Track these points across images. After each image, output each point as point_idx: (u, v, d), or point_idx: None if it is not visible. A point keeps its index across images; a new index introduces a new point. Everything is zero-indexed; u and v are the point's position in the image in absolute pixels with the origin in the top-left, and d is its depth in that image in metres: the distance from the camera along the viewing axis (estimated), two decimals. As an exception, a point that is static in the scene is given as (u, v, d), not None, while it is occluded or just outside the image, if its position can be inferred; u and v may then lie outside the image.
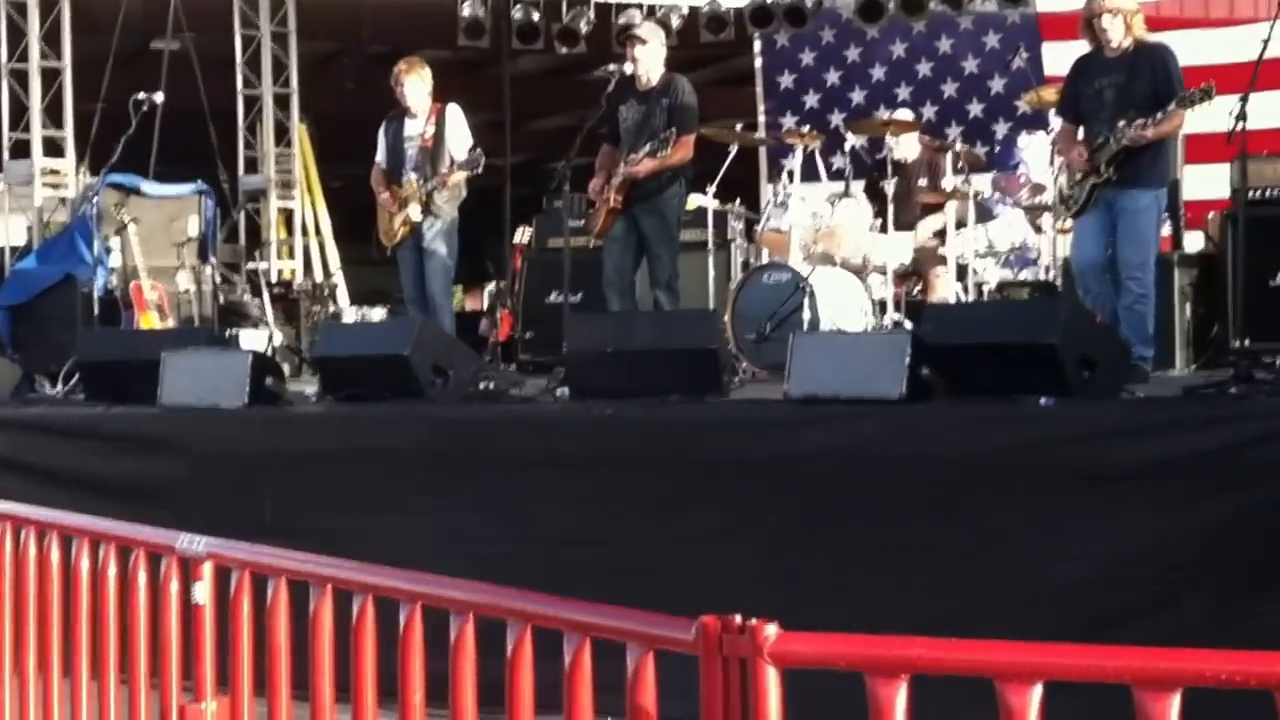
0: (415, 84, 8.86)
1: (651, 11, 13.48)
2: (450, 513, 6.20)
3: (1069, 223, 8.01)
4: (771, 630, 2.32)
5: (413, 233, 8.69)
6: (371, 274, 14.89)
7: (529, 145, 17.95)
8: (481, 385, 6.68)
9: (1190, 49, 10.91)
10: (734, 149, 9.37)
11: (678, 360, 6.20)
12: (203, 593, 3.06)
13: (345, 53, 14.22)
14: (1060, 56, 9.51)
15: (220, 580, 3.10)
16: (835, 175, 9.74)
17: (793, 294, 8.33)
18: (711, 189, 9.01)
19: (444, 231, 8.68)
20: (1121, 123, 7.14)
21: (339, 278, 13.71)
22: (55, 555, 3.40)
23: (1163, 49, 7.39)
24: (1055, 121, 8.80)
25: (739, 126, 10.15)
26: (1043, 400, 5.40)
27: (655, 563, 5.72)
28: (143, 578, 3.17)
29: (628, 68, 8.06)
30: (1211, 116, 8.43)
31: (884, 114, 12.86)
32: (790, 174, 9.21)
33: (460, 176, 8.68)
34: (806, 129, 9.52)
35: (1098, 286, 7.29)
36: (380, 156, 9.00)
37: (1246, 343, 8.77)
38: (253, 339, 10.50)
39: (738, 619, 2.36)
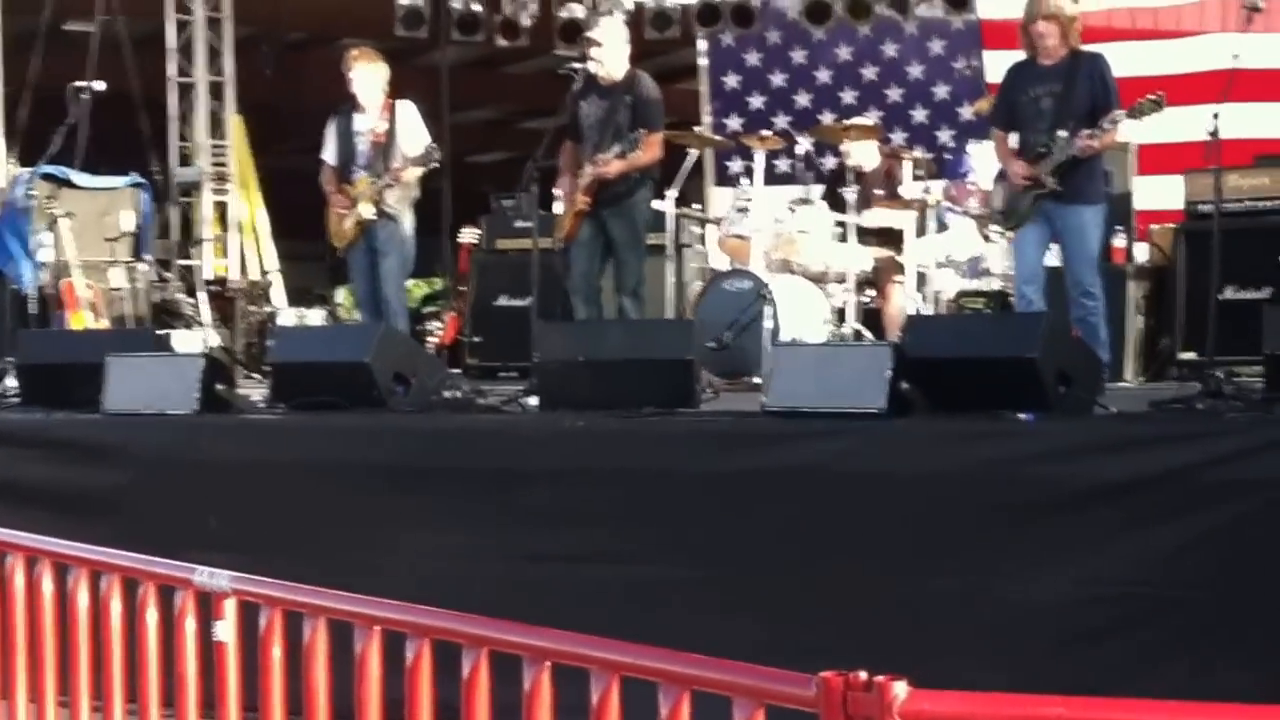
0: (366, 74, 8.63)
1: (595, 6, 13.34)
2: (412, 528, 6.02)
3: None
4: (901, 688, 2.17)
5: (364, 233, 8.48)
6: (295, 271, 14.63)
7: (454, 139, 17.74)
8: (446, 394, 6.49)
9: (1138, 60, 10.99)
10: (693, 153, 9.24)
11: (651, 371, 6.08)
12: (226, 631, 2.88)
13: (263, 39, 13.87)
14: (1002, 65, 9.45)
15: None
16: (783, 179, 9.68)
17: (754, 302, 8.25)
18: (672, 193, 8.88)
19: (398, 232, 8.49)
20: (1062, 133, 7.18)
21: (276, 276, 13.38)
22: (48, 587, 3.20)
23: (1099, 59, 7.44)
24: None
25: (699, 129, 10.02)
26: (1023, 415, 5.34)
27: (628, 580, 5.59)
28: (153, 614, 2.98)
29: (591, 66, 7.91)
30: (1163, 127, 8.48)
31: (829, 117, 13.00)
32: (744, 177, 9.15)
33: (415, 174, 8.49)
34: (767, 133, 9.42)
35: (1038, 298, 7.31)
36: (329, 153, 8.76)
37: (1197, 355, 8.97)
38: (187, 339, 10.22)
39: (863, 675, 2.21)
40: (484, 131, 19.73)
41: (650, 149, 7.86)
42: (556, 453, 5.90)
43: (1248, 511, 4.72)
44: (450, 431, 6.27)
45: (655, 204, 8.68)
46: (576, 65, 7.88)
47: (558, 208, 8.69)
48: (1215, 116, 6.43)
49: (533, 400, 6.50)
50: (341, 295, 13.90)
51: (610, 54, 8.04)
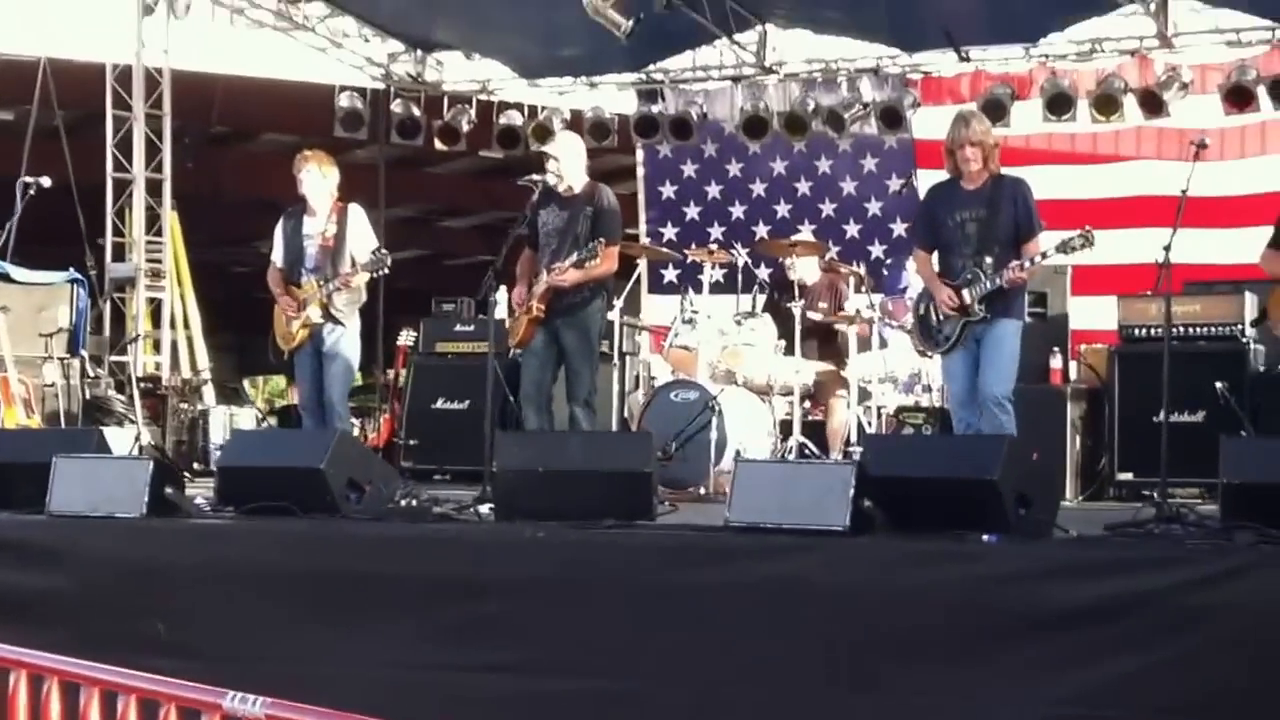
0: (315, 176, 8.59)
1: (533, 114, 13.51)
2: (367, 637, 5.95)
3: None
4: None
5: (312, 336, 8.45)
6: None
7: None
8: (401, 502, 6.45)
9: (1058, 184, 11.31)
10: (643, 263, 9.34)
11: (609, 483, 6.07)
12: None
13: (185, 130, 13.94)
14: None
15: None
16: (715, 289, 9.80)
17: (701, 412, 8.32)
18: (618, 303, 8.96)
19: (345, 337, 8.46)
20: (988, 259, 7.29)
21: (208, 374, 13.30)
22: (55, 708, 3.11)
23: (1021, 183, 7.56)
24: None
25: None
26: (985, 537, 5.40)
27: (585, 694, 5.56)
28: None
29: (549, 178, 7.98)
30: (1095, 250, 8.68)
31: (763, 229, 13.21)
32: (689, 288, 9.26)
33: (363, 279, 8.48)
34: (715, 247, 9.55)
35: (974, 420, 7.38)
36: (277, 254, 8.73)
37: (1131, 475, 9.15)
38: (119, 437, 10.07)
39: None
40: (401, 229, 19.87)
41: (607, 259, 7.93)
42: (515, 562, 5.87)
43: (1212, 638, 4.77)
44: (406, 539, 6.20)
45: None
46: (535, 177, 7.94)
47: (500, 311, 8.74)
48: (1166, 249, 6.56)
49: (485, 509, 6.49)
50: (247, 384, 14.03)
51: (568, 167, 8.13)
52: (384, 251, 8.42)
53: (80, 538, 6.54)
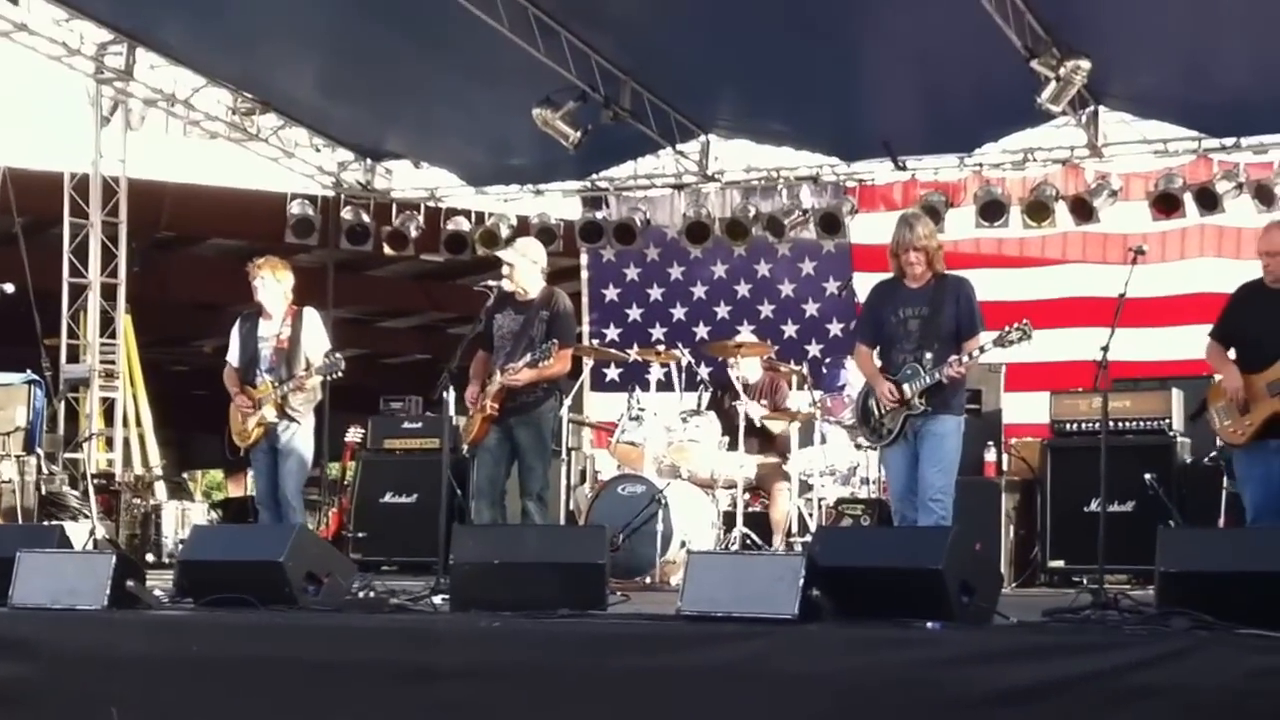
0: (268, 281, 8.82)
1: (481, 220, 13.78)
2: (326, 725, 6.06)
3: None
4: None
5: (267, 434, 8.62)
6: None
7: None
8: (359, 594, 6.59)
9: (988, 286, 11.62)
10: (589, 362, 9.59)
11: (564, 574, 6.25)
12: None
13: (133, 235, 14.20)
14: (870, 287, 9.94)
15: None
16: (659, 387, 10.06)
17: (648, 505, 8.54)
18: (567, 400, 9.18)
19: (300, 434, 8.64)
20: (928, 355, 7.43)
21: (160, 471, 13.44)
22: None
23: (965, 283, 7.71)
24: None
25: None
26: (929, 624, 5.58)
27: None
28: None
29: (505, 284, 8.21)
30: (1027, 348, 8.97)
31: (703, 330, 13.49)
32: (637, 387, 9.51)
33: (316, 380, 8.67)
34: (662, 348, 9.82)
35: (912, 512, 7.51)
36: (233, 355, 8.93)
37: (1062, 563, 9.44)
38: (73, 532, 10.17)
39: None
40: (343, 329, 20.07)
41: (561, 361, 8.16)
42: (472, 651, 6.00)
43: (1150, 718, 4.94)
44: (364, 629, 6.32)
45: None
46: (491, 282, 8.18)
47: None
48: (1104, 349, 6.83)
49: (439, 599, 6.64)
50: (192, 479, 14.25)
51: (522, 274, 8.36)
52: (338, 355, 8.63)
53: (42, 629, 6.61)
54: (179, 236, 17.80)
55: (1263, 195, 11.52)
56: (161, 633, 6.59)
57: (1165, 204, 11.86)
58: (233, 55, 12.28)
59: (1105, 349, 6.82)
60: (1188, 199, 11.81)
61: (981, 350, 7.54)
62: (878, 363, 7.69)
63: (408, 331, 22.30)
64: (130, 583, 6.74)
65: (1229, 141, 11.73)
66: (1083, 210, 12.04)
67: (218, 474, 28.00)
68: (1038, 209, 12.14)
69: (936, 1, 9.68)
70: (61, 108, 13.97)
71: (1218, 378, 7.62)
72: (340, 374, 8.63)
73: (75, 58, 12.14)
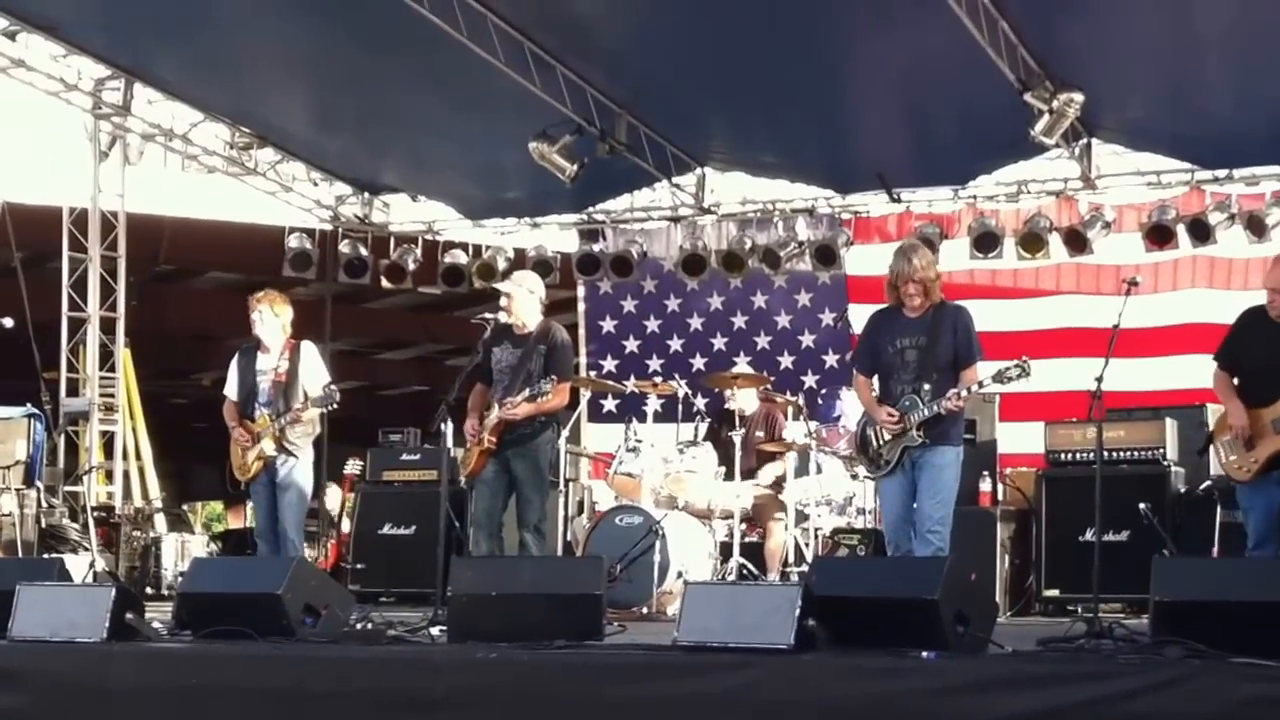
0: (266, 316, 8.86)
1: (478, 253, 13.84)
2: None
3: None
4: None
5: (266, 468, 8.66)
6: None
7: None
8: (356, 625, 6.62)
9: (984, 317, 11.69)
10: (587, 394, 9.64)
11: (561, 605, 6.28)
12: None
13: (131, 269, 14.30)
14: (866, 318, 10.02)
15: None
16: (657, 418, 10.11)
17: (645, 536, 8.58)
18: (564, 432, 9.24)
19: (299, 467, 8.69)
20: (926, 386, 7.42)
21: (159, 503, 13.50)
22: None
23: (962, 312, 7.71)
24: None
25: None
26: (924, 654, 5.61)
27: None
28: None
29: (502, 316, 8.27)
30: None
31: (700, 361, 13.53)
32: (634, 418, 9.57)
33: (314, 413, 8.71)
34: (659, 380, 9.87)
35: (907, 544, 7.52)
36: (231, 389, 8.97)
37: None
38: (73, 564, 10.22)
39: None
40: (341, 361, 20.15)
41: (558, 395, 8.22)
42: (470, 682, 6.02)
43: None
44: (362, 661, 6.35)
45: (550, 443, 8.98)
46: (489, 314, 8.23)
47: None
48: (1099, 380, 6.87)
49: (436, 630, 6.68)
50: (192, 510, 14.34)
51: (520, 306, 8.42)
52: (333, 388, 8.68)
53: (42, 662, 6.64)
54: (178, 270, 17.90)
55: (1255, 226, 11.57)
56: (160, 665, 6.60)
57: (1158, 235, 11.92)
58: (229, 90, 12.36)
59: (1100, 379, 6.85)
60: (1180, 230, 11.86)
61: (980, 385, 7.57)
62: (875, 392, 7.69)
63: (405, 363, 22.40)
64: (129, 615, 6.77)
65: (1221, 173, 11.79)
66: (1076, 242, 12.10)
67: (218, 506, 28.04)
68: (1032, 240, 12.20)
69: (929, 34, 9.74)
70: (60, 143, 14.03)
71: (1216, 409, 7.64)
72: (335, 406, 8.68)
73: (73, 93, 12.22)
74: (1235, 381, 7.48)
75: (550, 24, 10.61)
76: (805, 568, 9.04)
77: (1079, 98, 10.08)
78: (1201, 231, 11.73)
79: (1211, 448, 7.65)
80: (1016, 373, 7.49)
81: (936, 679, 5.46)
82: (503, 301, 8.39)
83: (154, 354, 16.37)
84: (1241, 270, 11.95)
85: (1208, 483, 9.24)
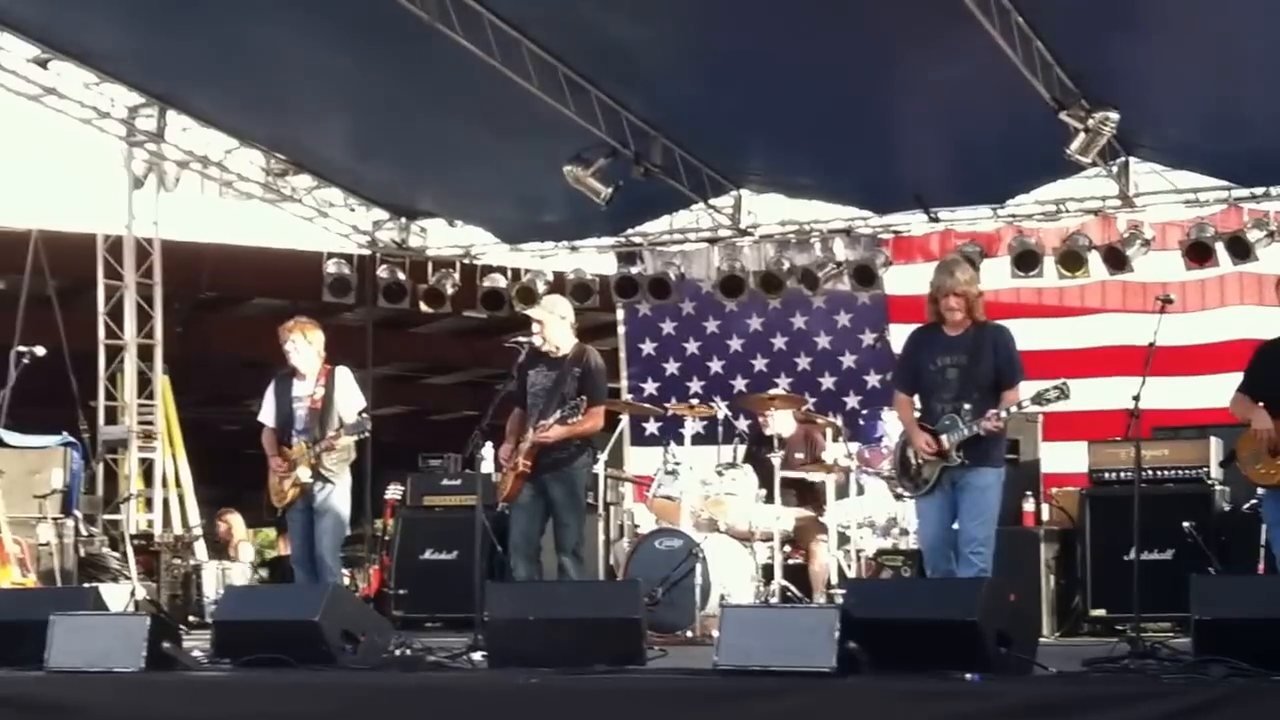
0: (299, 344, 8.89)
1: (517, 276, 13.84)
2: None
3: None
4: None
5: (303, 494, 8.67)
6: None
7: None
8: (396, 652, 6.60)
9: (1027, 335, 11.58)
10: (625, 418, 9.62)
11: (600, 629, 6.24)
12: None
13: (175, 297, 14.37)
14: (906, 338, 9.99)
15: None
16: (696, 440, 10.09)
17: (685, 559, 8.54)
18: (602, 456, 9.22)
19: (335, 493, 8.69)
20: (967, 406, 7.36)
21: (199, 530, 13.54)
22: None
23: (1004, 332, 7.66)
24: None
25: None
26: (968, 675, 5.56)
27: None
28: None
29: (535, 340, 8.26)
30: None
31: (740, 383, 13.48)
32: (671, 440, 9.54)
33: (348, 440, 8.70)
34: (696, 402, 9.84)
35: (945, 564, 7.46)
36: (268, 416, 8.99)
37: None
38: (114, 594, 10.24)
39: None
40: (387, 386, 20.20)
41: (592, 418, 8.22)
42: (510, 708, 6.00)
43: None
44: (402, 688, 6.33)
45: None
46: (522, 339, 8.23)
47: (486, 466, 8.98)
48: (1136, 399, 6.83)
49: (478, 656, 6.65)
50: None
51: (552, 330, 8.42)
52: (365, 415, 8.69)
53: (80, 693, 6.63)
54: (221, 296, 17.98)
55: (1293, 243, 11.47)
56: (198, 694, 6.60)
57: (1197, 253, 11.84)
58: (263, 117, 12.39)
59: (1137, 398, 6.82)
60: (1219, 248, 11.78)
61: (1020, 407, 7.51)
62: (916, 411, 7.63)
63: (453, 388, 22.38)
64: (166, 645, 6.77)
65: (1259, 190, 11.70)
66: (1116, 260, 12.02)
67: (270, 532, 28.02)
68: (1071, 259, 12.13)
69: (965, 54, 9.69)
70: (94, 170, 14.04)
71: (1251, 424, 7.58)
72: (367, 434, 8.69)
73: (106, 121, 12.21)
74: (1260, 405, 7.44)
75: (584, 48, 10.60)
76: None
77: (1115, 116, 10.01)
78: (1241, 249, 11.64)
79: (1235, 463, 7.60)
80: (1055, 395, 7.43)
81: (981, 701, 5.43)
82: (534, 328, 8.39)
83: (202, 381, 16.46)
84: (1285, 286, 11.84)
85: (1253, 500, 9.13)
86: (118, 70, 11.71)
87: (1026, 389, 7.56)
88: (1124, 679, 5.66)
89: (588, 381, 8.26)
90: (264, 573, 14.34)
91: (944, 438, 7.40)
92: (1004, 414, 7.38)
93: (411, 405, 21.85)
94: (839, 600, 8.86)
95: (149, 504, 13.93)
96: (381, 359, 17.08)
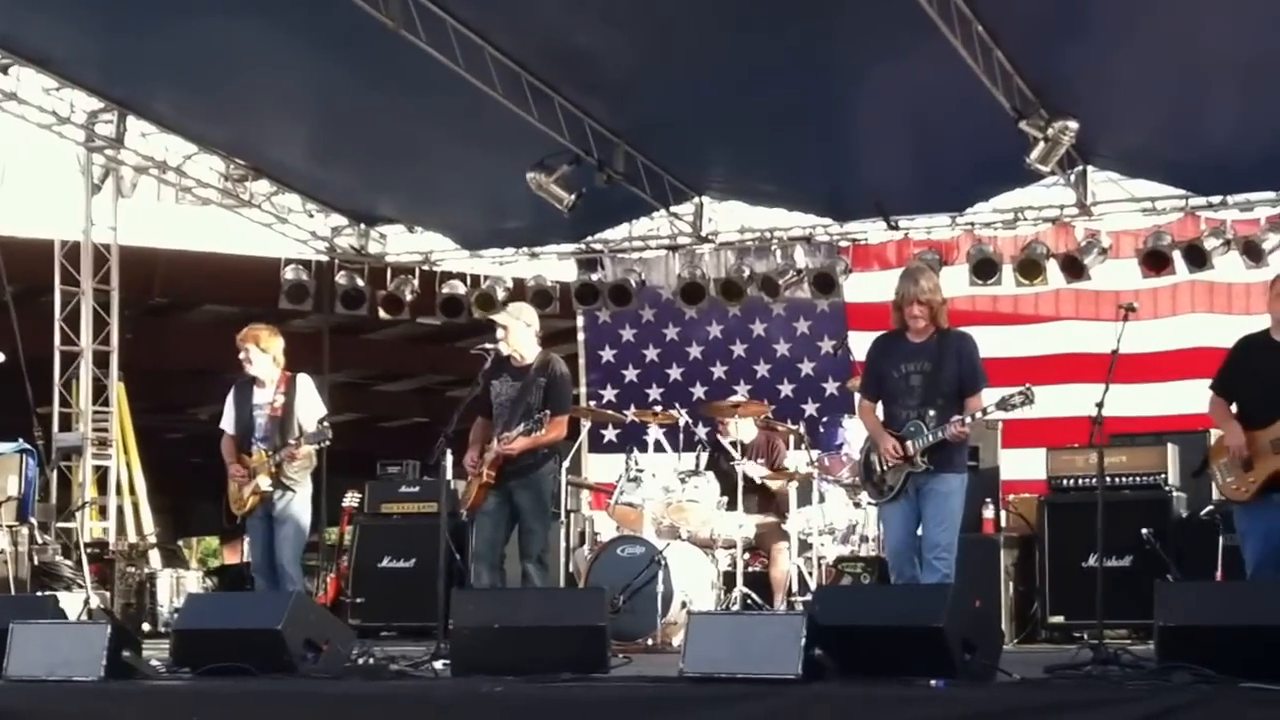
0: (253, 352, 8.79)
1: (476, 283, 13.81)
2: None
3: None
4: None
5: (263, 502, 8.61)
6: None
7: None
8: (359, 661, 6.56)
9: (1000, 342, 11.71)
10: (587, 424, 9.61)
11: (564, 637, 6.23)
12: None
13: (126, 303, 14.29)
14: (866, 345, 10.05)
15: None
16: (657, 448, 10.08)
17: (647, 566, 8.54)
18: (564, 464, 9.21)
19: (296, 501, 8.63)
20: (931, 412, 7.38)
21: (154, 538, 13.44)
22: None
23: (967, 339, 7.67)
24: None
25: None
26: (934, 682, 5.57)
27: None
28: None
29: (501, 347, 8.23)
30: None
31: (700, 390, 13.51)
32: (634, 447, 9.55)
33: (308, 449, 8.64)
34: (659, 409, 9.85)
35: (909, 570, 7.47)
36: (228, 423, 8.91)
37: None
38: (68, 602, 10.14)
39: None
40: (340, 393, 20.12)
41: (555, 428, 8.22)
42: (475, 717, 5.99)
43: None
44: (366, 696, 6.30)
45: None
46: (488, 346, 8.20)
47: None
48: (1099, 406, 6.84)
49: (440, 665, 6.62)
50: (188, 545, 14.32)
51: (516, 339, 8.40)
52: (326, 425, 8.63)
53: (39, 702, 6.58)
54: (173, 303, 17.87)
55: (1251, 251, 11.56)
56: (159, 703, 6.54)
57: (1154, 261, 11.92)
58: (223, 122, 12.34)
59: (1100, 405, 6.82)
60: (1176, 256, 11.86)
61: (984, 412, 7.54)
62: (880, 417, 7.64)
63: (405, 395, 22.36)
64: (126, 653, 6.71)
65: (1216, 199, 11.78)
66: (1073, 268, 12.09)
67: (213, 541, 27.99)
68: (1029, 267, 12.20)
69: (925, 64, 9.75)
70: (52, 176, 13.98)
71: (1218, 434, 7.61)
72: (328, 442, 8.63)
73: (66, 126, 12.15)
74: (1233, 408, 7.45)
75: (548, 56, 10.60)
76: (809, 597, 9.01)
77: (1074, 125, 10.09)
78: (1197, 257, 11.74)
79: (1208, 472, 7.60)
80: (1020, 400, 7.48)
81: (946, 707, 5.44)
82: (500, 334, 8.36)
83: (150, 388, 16.32)
84: (1241, 295, 11.96)
85: (1210, 507, 9.23)
86: (78, 75, 11.65)
87: (989, 395, 7.58)
88: (1088, 685, 5.66)
89: (552, 392, 8.25)
90: (209, 582, 14.26)
91: (909, 443, 7.42)
92: (968, 419, 7.42)
93: (363, 412, 21.81)
94: (800, 606, 8.91)
95: (103, 512, 13.86)
96: (334, 365, 17.02)
